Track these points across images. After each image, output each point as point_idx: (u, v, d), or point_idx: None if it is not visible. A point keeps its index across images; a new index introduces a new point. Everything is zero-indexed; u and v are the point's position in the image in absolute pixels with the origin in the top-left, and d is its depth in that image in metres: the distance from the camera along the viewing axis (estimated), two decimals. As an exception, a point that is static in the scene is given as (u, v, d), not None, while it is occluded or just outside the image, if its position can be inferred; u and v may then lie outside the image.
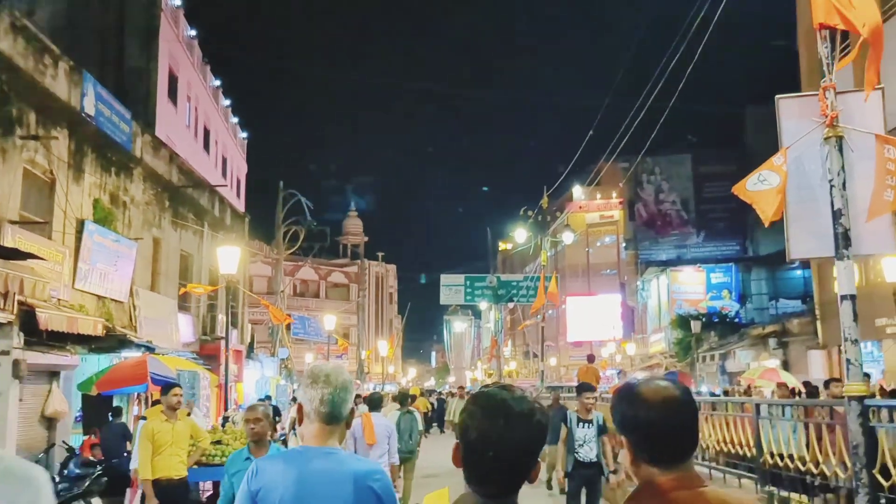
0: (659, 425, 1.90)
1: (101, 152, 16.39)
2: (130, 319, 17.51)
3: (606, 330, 54.53)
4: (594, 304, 57.61)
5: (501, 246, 72.96)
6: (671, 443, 1.92)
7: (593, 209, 65.29)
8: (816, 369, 22.09)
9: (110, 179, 16.83)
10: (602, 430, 8.86)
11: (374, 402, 9.63)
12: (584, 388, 9.40)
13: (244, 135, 46.99)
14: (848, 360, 5.68)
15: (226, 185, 30.21)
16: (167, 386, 8.70)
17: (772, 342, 25.50)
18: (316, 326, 54.31)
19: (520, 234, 29.44)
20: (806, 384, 14.86)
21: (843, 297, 5.72)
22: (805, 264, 42.46)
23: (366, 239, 77.96)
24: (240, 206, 36.15)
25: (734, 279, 41.81)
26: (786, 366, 23.83)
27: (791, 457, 7.64)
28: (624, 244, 57.20)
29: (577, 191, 54.31)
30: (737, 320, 37.98)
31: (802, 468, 7.43)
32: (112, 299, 16.52)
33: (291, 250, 31.15)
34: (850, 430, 5.69)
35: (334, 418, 2.74)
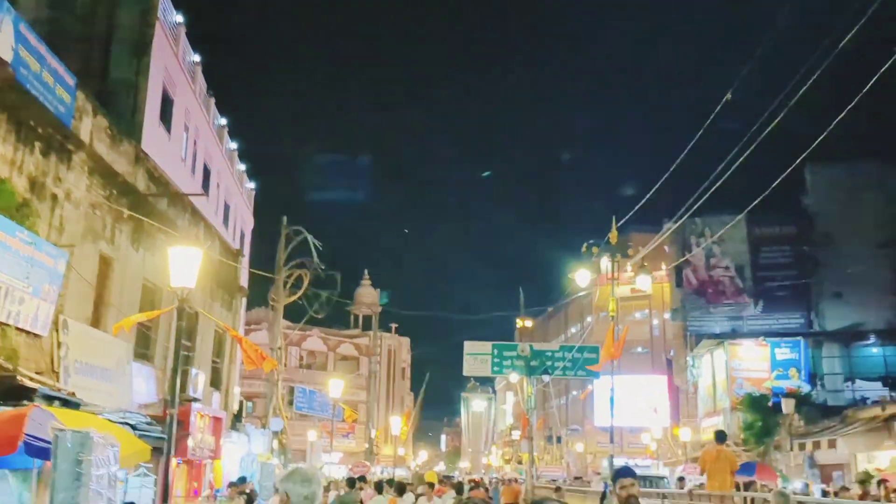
0: None
1: (18, 115, 11.49)
2: (52, 362, 12.34)
3: (647, 414, 48.80)
4: (631, 385, 51.91)
5: (519, 323, 67.61)
6: None
7: (625, 282, 60.16)
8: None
9: (31, 157, 11.87)
10: None
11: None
12: None
13: (252, 185, 42.32)
14: None
15: (204, 195, 25.30)
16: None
17: (898, 427, 19.96)
18: (322, 401, 49.27)
19: (581, 276, 23.87)
20: None
21: None
22: (885, 340, 37.20)
23: (379, 309, 72.76)
24: (242, 262, 31.00)
25: (803, 356, 36.16)
26: (921, 458, 18.31)
27: None
28: (668, 314, 51.83)
29: (605, 262, 49.32)
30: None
31: None
32: (19, 329, 11.34)
33: (294, 297, 26.03)
34: None
35: None
